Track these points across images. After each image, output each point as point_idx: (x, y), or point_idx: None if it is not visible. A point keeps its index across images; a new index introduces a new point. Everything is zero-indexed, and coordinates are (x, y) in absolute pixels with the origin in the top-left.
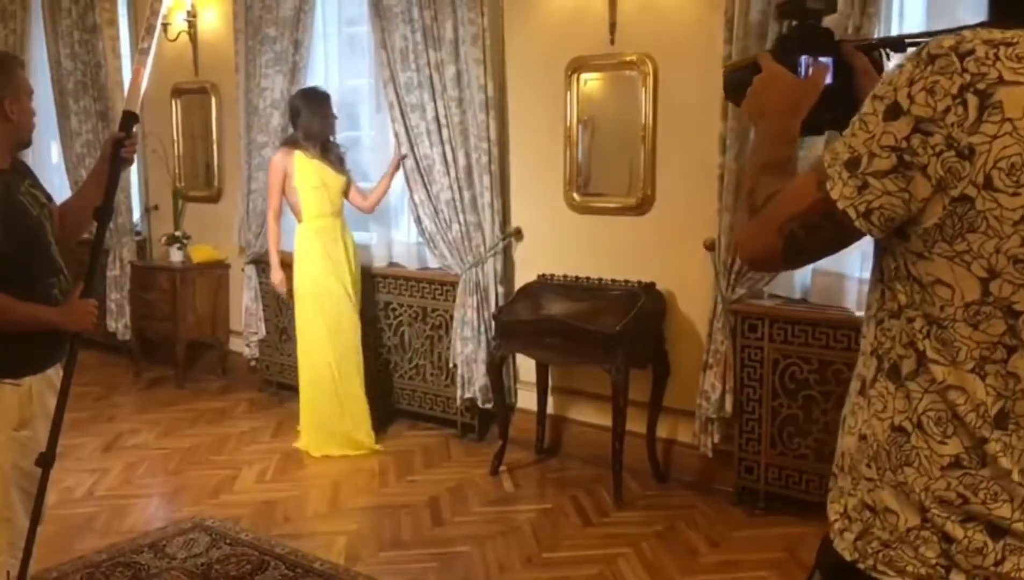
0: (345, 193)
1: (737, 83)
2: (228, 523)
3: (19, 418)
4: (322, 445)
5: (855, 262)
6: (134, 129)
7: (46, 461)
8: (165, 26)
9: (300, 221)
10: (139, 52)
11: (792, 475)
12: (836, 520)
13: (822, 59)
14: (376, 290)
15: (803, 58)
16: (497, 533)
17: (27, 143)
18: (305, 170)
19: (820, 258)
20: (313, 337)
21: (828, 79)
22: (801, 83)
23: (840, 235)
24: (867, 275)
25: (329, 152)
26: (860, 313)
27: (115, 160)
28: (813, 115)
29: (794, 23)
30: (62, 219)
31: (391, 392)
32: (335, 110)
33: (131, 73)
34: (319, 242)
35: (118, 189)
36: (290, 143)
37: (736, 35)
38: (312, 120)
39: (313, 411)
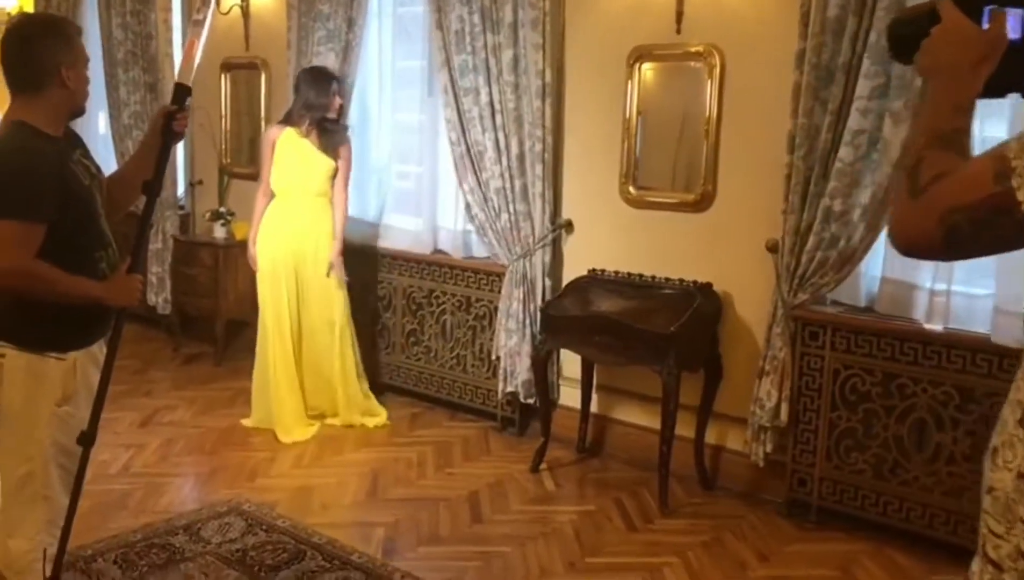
0: (332, 177)
1: (907, 36)
2: (264, 508)
3: (62, 393)
4: (265, 419)
5: (927, 272)
6: (186, 102)
7: (87, 439)
8: None
9: (274, 195)
10: (193, 24)
11: (847, 490)
12: (978, 571)
13: (1011, 9)
14: (422, 277)
15: (987, 8)
16: (538, 534)
17: (81, 111)
18: (288, 146)
19: (983, 255)
20: (268, 312)
21: (1015, 33)
22: (985, 35)
23: (1014, 237)
24: (940, 286)
25: (327, 133)
26: (930, 326)
27: (166, 133)
28: (998, 74)
29: None
30: (109, 192)
31: (431, 381)
32: (335, 88)
33: (184, 45)
34: (288, 218)
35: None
36: (284, 118)
37: (812, 31)
38: (307, 97)
39: (264, 387)
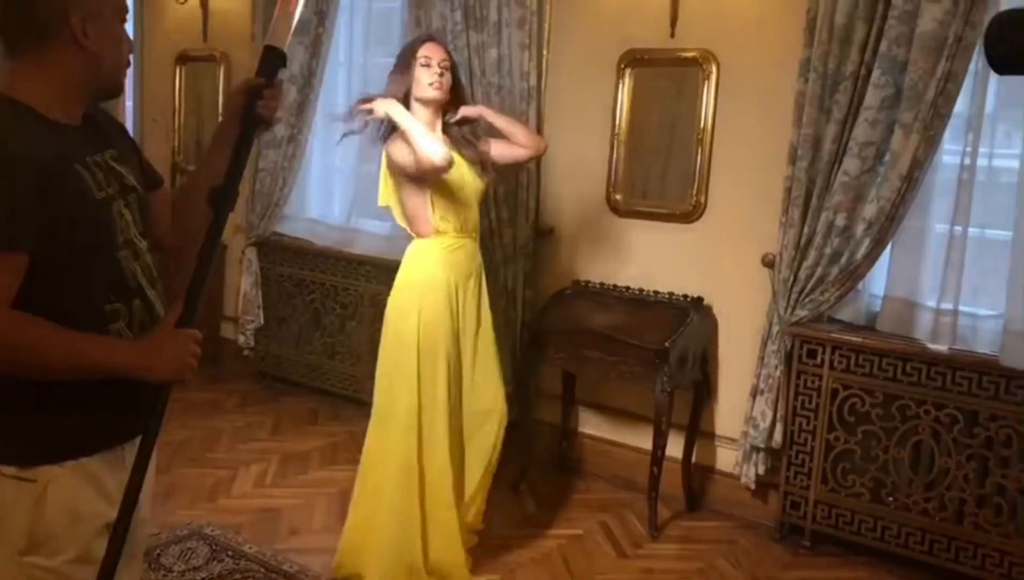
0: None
1: (1021, 43)
2: (228, 532)
3: (28, 537)
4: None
5: (931, 290)
6: (279, 76)
7: None
8: None
9: (420, 234)
10: None
11: (843, 514)
12: None
13: None
14: (391, 284)
15: None
16: (527, 560)
17: (113, 88)
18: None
19: None
20: (419, 411)
21: None
22: None
23: None
24: (946, 306)
25: (459, 138)
26: (934, 347)
27: (247, 118)
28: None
29: None
30: (177, 212)
31: None
32: (424, 54)
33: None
34: (445, 271)
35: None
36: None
37: (819, 38)
38: (391, 84)
39: (382, 536)
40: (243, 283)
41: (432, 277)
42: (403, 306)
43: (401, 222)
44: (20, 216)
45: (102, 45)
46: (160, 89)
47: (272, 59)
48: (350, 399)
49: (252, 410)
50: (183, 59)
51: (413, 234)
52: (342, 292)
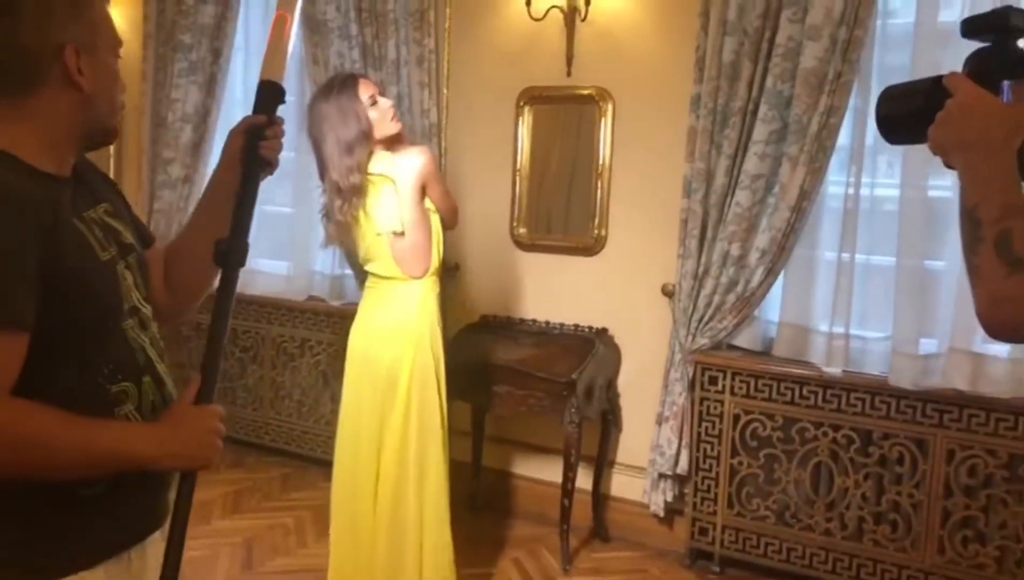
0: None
1: (907, 114)
2: None
3: None
4: None
5: (823, 315)
6: (278, 113)
7: None
8: None
9: (415, 273)
10: None
11: (750, 538)
12: None
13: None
14: (294, 325)
15: (1005, 83)
16: None
17: (108, 133)
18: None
19: None
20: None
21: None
22: (1012, 109)
23: None
24: (838, 330)
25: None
26: (828, 369)
27: (248, 161)
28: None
29: (989, 43)
30: (170, 273)
31: (303, 438)
32: (366, 99)
33: (271, 25)
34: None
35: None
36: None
37: (708, 75)
38: (340, 132)
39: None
40: None
41: (436, 327)
42: (425, 364)
43: (390, 260)
44: (19, 286)
45: (96, 84)
46: None
47: (270, 94)
48: (252, 445)
49: None
50: None
51: (406, 274)
52: (242, 335)
